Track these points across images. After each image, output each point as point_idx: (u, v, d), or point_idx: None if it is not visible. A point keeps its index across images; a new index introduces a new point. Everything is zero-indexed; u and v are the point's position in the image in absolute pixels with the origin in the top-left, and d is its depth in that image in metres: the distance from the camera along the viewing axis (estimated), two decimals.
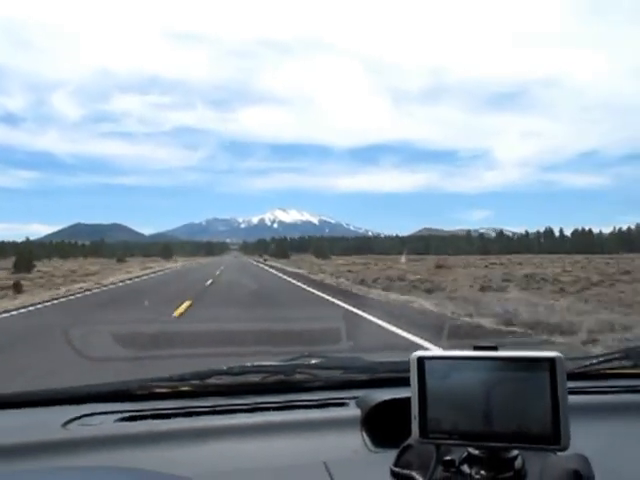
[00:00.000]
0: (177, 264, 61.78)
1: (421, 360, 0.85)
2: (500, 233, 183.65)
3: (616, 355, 1.45)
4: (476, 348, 0.85)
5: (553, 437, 0.79)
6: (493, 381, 0.82)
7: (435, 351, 0.87)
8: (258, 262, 66.58)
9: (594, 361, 1.43)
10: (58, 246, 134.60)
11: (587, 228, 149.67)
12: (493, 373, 0.82)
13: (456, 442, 0.83)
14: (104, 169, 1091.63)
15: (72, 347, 5.48)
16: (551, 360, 0.80)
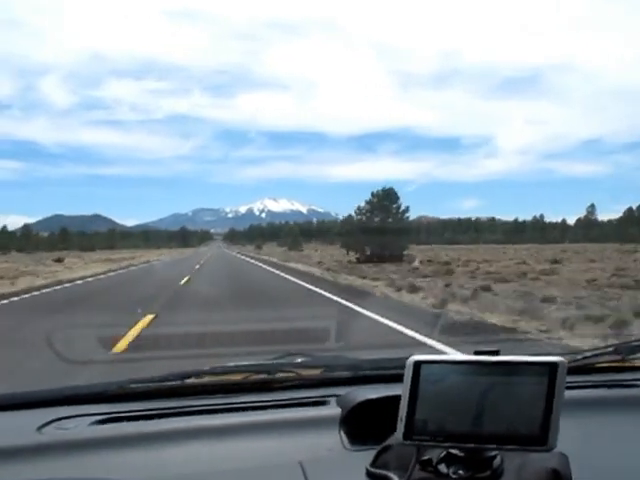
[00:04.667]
0: None
1: (418, 364, 0.82)
2: (492, 221, 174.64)
3: (606, 350, 1.45)
4: (477, 353, 0.83)
5: (540, 438, 0.77)
6: (490, 385, 0.79)
7: (433, 355, 0.84)
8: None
9: (584, 355, 1.43)
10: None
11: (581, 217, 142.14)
12: (492, 377, 0.80)
13: (439, 444, 0.81)
14: (91, 159, 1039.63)
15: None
16: (553, 365, 0.79)
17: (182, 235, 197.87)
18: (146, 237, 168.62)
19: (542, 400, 0.77)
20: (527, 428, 0.78)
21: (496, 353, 0.82)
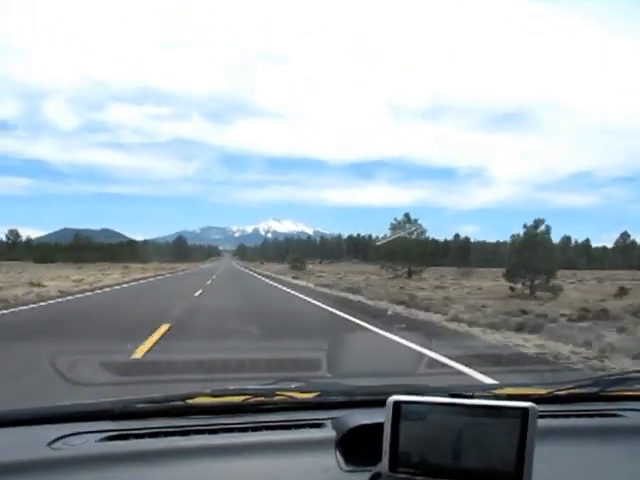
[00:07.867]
0: None
1: (397, 404, 0.91)
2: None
3: (586, 382, 1.51)
4: (452, 395, 0.95)
5: (515, 477, 0.86)
6: (466, 425, 0.88)
7: (412, 397, 0.93)
8: None
9: (564, 387, 1.48)
10: None
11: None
12: (467, 418, 0.89)
13: (423, 477, 0.90)
14: (99, 178, 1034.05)
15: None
16: (524, 410, 0.88)
17: (181, 248, 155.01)
18: (134, 250, 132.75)
19: (516, 441, 0.86)
20: (503, 466, 0.87)
21: (471, 397, 0.95)
